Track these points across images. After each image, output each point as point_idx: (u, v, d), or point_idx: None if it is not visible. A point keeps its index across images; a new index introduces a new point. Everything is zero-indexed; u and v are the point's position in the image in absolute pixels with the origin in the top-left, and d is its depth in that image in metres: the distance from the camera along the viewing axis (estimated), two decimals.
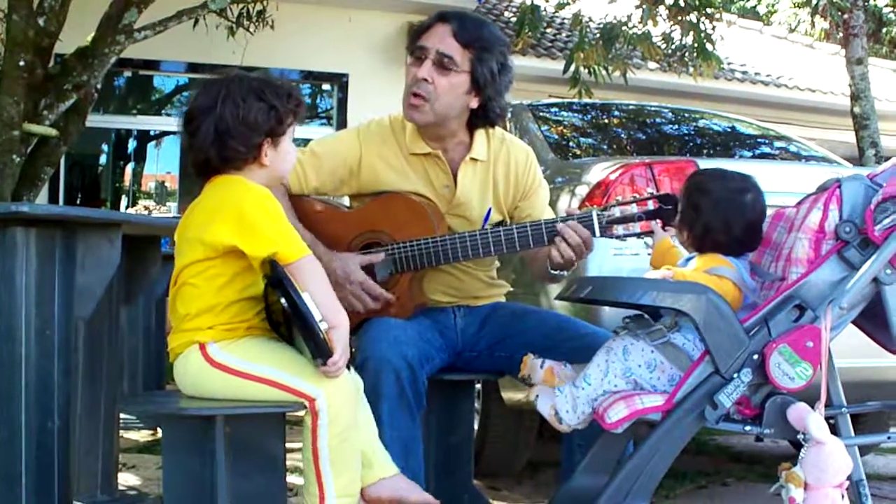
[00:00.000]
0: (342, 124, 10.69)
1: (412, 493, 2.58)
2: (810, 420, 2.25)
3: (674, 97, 10.81)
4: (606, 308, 3.37)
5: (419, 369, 2.79)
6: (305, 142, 3.17)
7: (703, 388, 2.34)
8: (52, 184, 9.64)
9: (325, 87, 11.64)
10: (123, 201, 13.02)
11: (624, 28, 8.51)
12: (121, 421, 3.84)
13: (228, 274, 2.39)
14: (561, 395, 2.53)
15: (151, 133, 12.57)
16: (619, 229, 2.84)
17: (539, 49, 11.83)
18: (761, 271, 2.59)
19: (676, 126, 5.54)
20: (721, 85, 12.52)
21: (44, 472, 2.72)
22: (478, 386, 4.13)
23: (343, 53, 10.87)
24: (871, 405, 2.81)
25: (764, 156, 5.17)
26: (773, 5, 20.99)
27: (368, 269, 2.98)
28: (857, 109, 10.44)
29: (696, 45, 8.47)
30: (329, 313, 2.31)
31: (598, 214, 2.83)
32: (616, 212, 2.83)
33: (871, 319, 2.50)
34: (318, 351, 2.30)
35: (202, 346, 2.40)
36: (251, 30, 8.87)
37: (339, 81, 11.18)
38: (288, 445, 2.52)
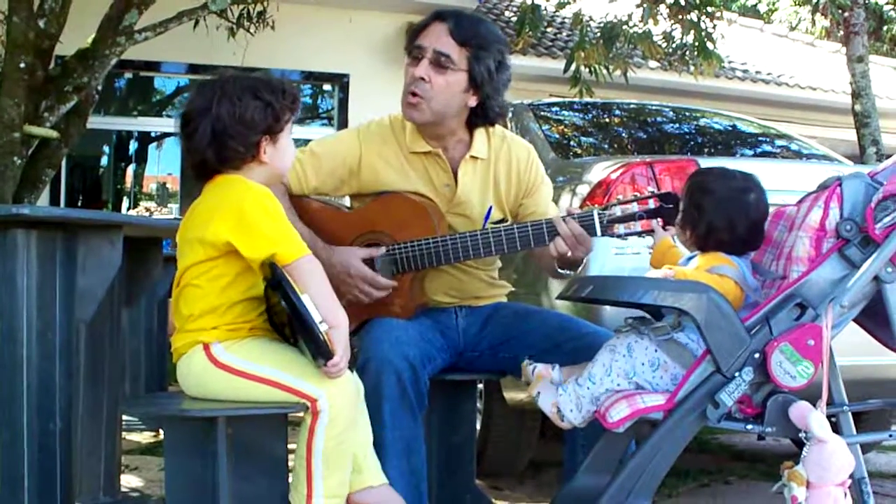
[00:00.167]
0: (343, 125, 10.69)
1: None
2: (812, 418, 2.25)
3: (675, 96, 10.81)
4: (608, 307, 3.37)
5: (421, 369, 2.79)
6: (306, 142, 3.17)
7: (705, 387, 2.34)
8: (54, 186, 9.65)
9: (326, 87, 11.65)
10: (125, 203, 13.03)
11: (624, 27, 8.50)
12: (123, 423, 3.83)
13: (231, 274, 2.40)
14: (565, 394, 2.54)
15: (152, 134, 12.58)
16: (621, 228, 2.83)
17: (540, 48, 11.83)
18: (763, 270, 2.59)
19: (677, 125, 5.54)
20: (722, 83, 12.51)
21: (46, 474, 2.73)
22: (480, 386, 4.13)
23: (344, 54, 10.87)
24: (872, 403, 2.81)
25: (765, 154, 5.17)
26: (773, 3, 20.98)
27: (370, 268, 2.99)
28: (857, 107, 10.43)
29: (696, 43, 8.46)
30: (329, 314, 2.31)
31: (598, 213, 2.83)
32: (617, 211, 2.83)
33: (872, 317, 2.50)
34: (319, 352, 2.30)
35: (206, 347, 2.40)
36: (252, 31, 8.87)
37: (340, 82, 11.18)
38: (290, 446, 2.52)
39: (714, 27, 8.58)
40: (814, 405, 2.29)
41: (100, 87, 6.93)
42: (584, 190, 3.79)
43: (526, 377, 2.71)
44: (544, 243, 2.86)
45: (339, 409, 2.37)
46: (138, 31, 6.58)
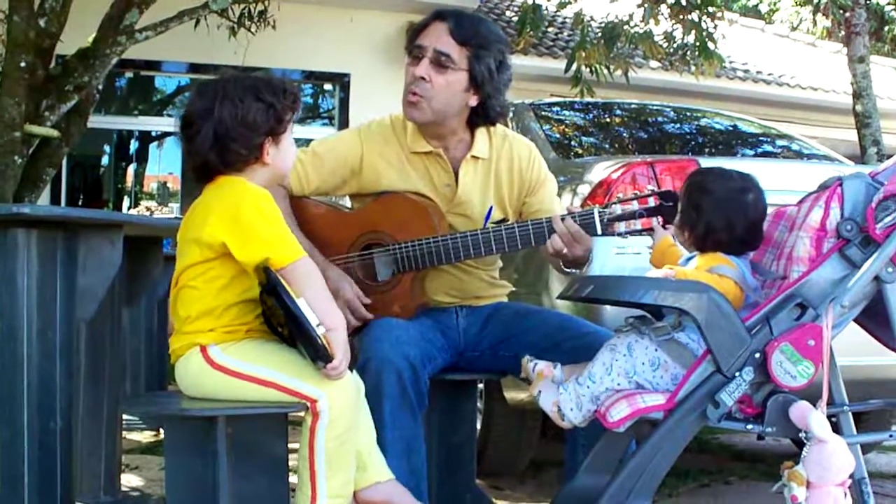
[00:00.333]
0: (344, 124, 10.69)
1: (405, 499, 2.57)
2: (812, 418, 2.25)
3: (675, 96, 10.81)
4: (608, 307, 3.36)
5: (421, 369, 2.79)
6: (307, 142, 3.17)
7: (705, 386, 2.34)
8: (54, 185, 9.66)
9: (327, 87, 11.66)
10: (125, 202, 13.04)
11: (625, 27, 8.51)
12: (123, 422, 3.84)
13: (227, 276, 2.38)
14: (566, 393, 2.54)
15: (153, 134, 12.59)
16: (621, 227, 2.83)
17: (541, 48, 11.84)
18: (763, 270, 2.59)
19: (678, 125, 5.53)
20: (723, 84, 12.52)
21: (46, 473, 2.72)
22: (480, 385, 4.13)
23: (345, 53, 10.88)
24: (873, 403, 2.81)
25: (766, 154, 5.17)
26: (774, 4, 20.97)
27: (370, 268, 2.99)
28: (858, 108, 10.43)
29: (697, 43, 8.47)
30: (326, 316, 2.30)
31: (599, 212, 2.83)
32: (617, 209, 2.83)
33: (872, 317, 2.50)
34: (318, 355, 2.29)
35: (203, 349, 2.39)
36: (252, 30, 8.88)
37: (341, 81, 11.19)
38: (290, 446, 2.52)
39: (715, 27, 8.58)
40: (814, 405, 2.29)
41: (100, 87, 6.93)
42: (584, 190, 3.79)
43: (526, 373, 2.71)
44: (544, 242, 2.86)
45: (340, 409, 2.37)
46: (139, 31, 6.58)
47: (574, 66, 8.39)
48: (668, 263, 2.65)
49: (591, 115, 5.45)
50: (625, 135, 5.22)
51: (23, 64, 5.88)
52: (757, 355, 2.32)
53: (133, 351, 4.68)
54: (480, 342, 3.08)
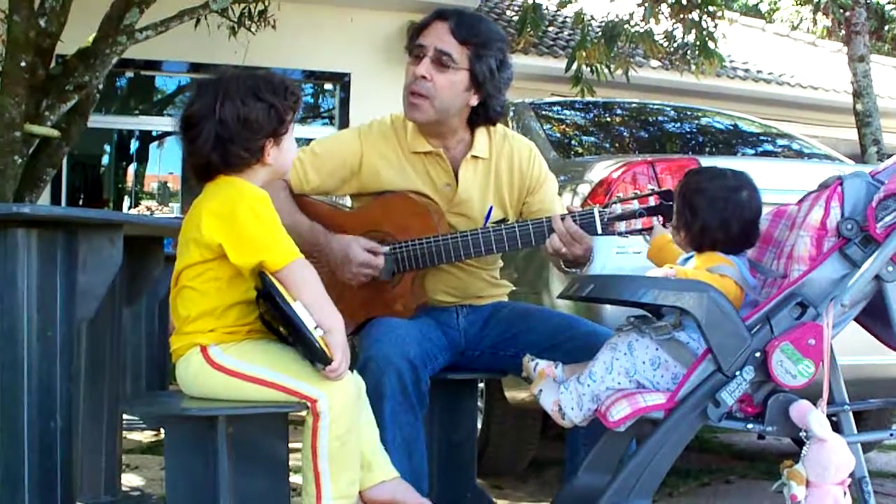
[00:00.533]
0: (344, 124, 10.69)
1: (410, 496, 2.56)
2: (812, 417, 2.25)
3: (676, 95, 10.81)
4: (609, 307, 3.36)
5: (422, 369, 2.79)
6: (307, 141, 3.17)
7: (706, 385, 2.34)
8: (55, 185, 9.66)
9: (327, 86, 11.66)
10: (126, 202, 13.04)
11: (626, 26, 8.51)
12: (124, 421, 3.84)
13: (226, 277, 2.37)
14: (566, 392, 2.53)
15: (153, 133, 12.59)
16: (622, 226, 2.83)
17: (541, 47, 11.84)
18: (763, 269, 2.59)
19: (678, 124, 5.53)
20: (723, 83, 12.53)
21: (46, 472, 2.72)
22: (481, 385, 4.13)
23: (345, 53, 10.88)
24: (873, 402, 2.81)
25: (766, 153, 5.17)
26: (775, 3, 20.96)
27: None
28: (859, 107, 10.44)
29: (698, 42, 8.47)
30: (324, 318, 2.30)
31: (599, 212, 2.83)
32: (618, 209, 2.83)
33: (872, 317, 2.50)
34: (316, 358, 2.29)
35: (203, 349, 2.39)
36: (253, 30, 8.88)
37: (341, 81, 11.19)
38: (291, 445, 2.52)
39: (715, 26, 8.58)
40: (814, 404, 2.29)
41: (101, 86, 6.93)
42: (585, 189, 3.79)
43: (527, 372, 2.71)
44: (544, 241, 2.86)
45: (341, 409, 2.36)
46: (139, 30, 6.59)
47: (574, 66, 8.39)
48: (665, 260, 2.65)
49: (591, 115, 5.45)
50: (625, 134, 5.22)
51: (23, 63, 5.88)
52: (757, 354, 2.32)
53: (133, 351, 4.68)
54: (481, 341, 3.08)
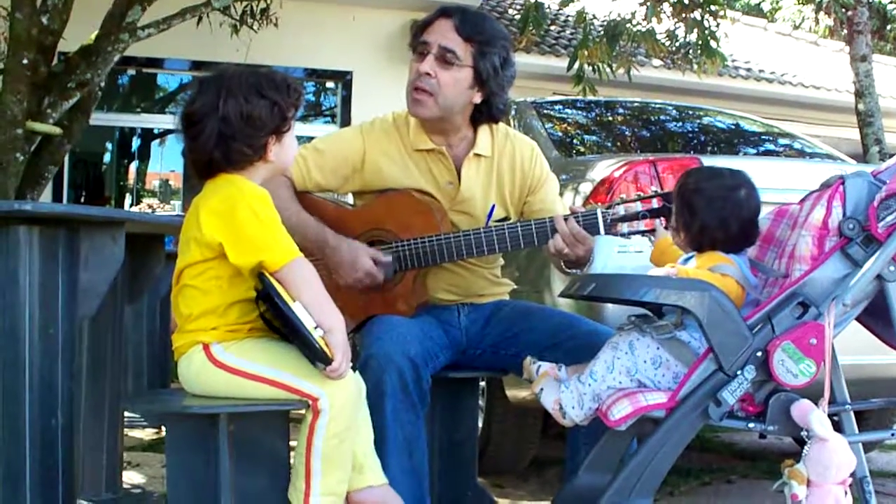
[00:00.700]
0: (346, 122, 10.70)
1: None
2: (813, 417, 2.25)
3: (678, 94, 10.81)
4: (610, 305, 3.37)
5: (423, 367, 2.79)
6: (309, 139, 3.17)
7: (707, 385, 2.34)
8: (56, 182, 9.68)
9: (329, 84, 11.67)
10: (127, 199, 13.05)
11: (628, 25, 8.51)
12: (125, 419, 3.84)
13: (226, 276, 2.37)
14: (567, 391, 2.53)
15: (155, 131, 12.61)
16: (624, 227, 2.84)
17: (543, 46, 11.84)
18: (765, 268, 2.59)
19: (680, 123, 5.53)
20: (725, 82, 12.53)
21: (48, 470, 2.72)
22: (482, 383, 4.13)
23: (347, 51, 10.89)
24: (874, 402, 2.81)
25: (768, 153, 5.17)
26: (777, 2, 20.97)
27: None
28: (861, 106, 10.43)
29: (700, 42, 8.47)
30: (324, 318, 2.29)
31: (602, 212, 2.83)
32: (621, 210, 2.83)
33: (874, 316, 2.50)
34: (317, 357, 2.29)
35: (205, 347, 2.39)
36: (255, 27, 8.88)
37: (343, 79, 11.20)
38: (291, 443, 2.52)
39: (717, 26, 8.59)
40: (816, 404, 2.29)
41: (103, 84, 6.91)
42: (586, 188, 3.79)
43: (529, 374, 2.71)
44: (547, 241, 2.87)
45: (340, 408, 2.36)
46: (141, 28, 6.58)
47: (576, 65, 8.39)
48: (668, 262, 2.64)
49: (593, 114, 5.45)
50: (627, 133, 5.22)
51: (25, 61, 5.87)
52: (759, 354, 2.32)
53: (135, 348, 4.68)
54: (482, 340, 3.08)
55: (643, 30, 8.51)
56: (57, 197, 10.00)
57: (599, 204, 2.92)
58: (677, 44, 8.96)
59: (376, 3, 10.73)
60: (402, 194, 3.02)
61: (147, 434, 5.33)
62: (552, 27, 12.69)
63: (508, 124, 3.43)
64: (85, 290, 2.82)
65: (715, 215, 2.52)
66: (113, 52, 6.46)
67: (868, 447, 4.69)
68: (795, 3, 19.14)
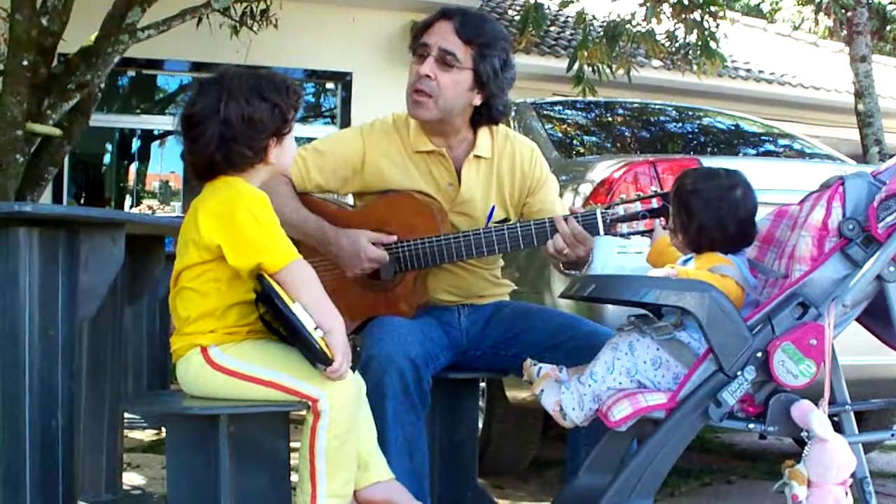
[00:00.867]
0: (346, 123, 10.70)
1: (405, 499, 2.56)
2: (813, 417, 2.25)
3: (677, 95, 10.81)
4: (610, 306, 3.37)
5: (423, 368, 2.79)
6: (309, 140, 3.17)
7: (707, 385, 2.34)
8: (56, 183, 9.67)
9: (329, 85, 11.67)
10: (127, 201, 13.05)
11: (628, 26, 8.52)
12: (125, 420, 3.84)
13: (225, 278, 2.37)
14: (567, 392, 2.54)
15: (155, 132, 12.61)
16: (624, 227, 2.84)
17: (543, 47, 11.84)
18: (764, 269, 2.59)
19: (680, 124, 5.53)
20: (725, 83, 12.53)
21: (48, 471, 2.73)
22: (482, 384, 4.13)
23: (347, 52, 10.89)
24: (874, 402, 2.81)
25: (768, 153, 5.17)
26: (776, 3, 20.97)
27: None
28: (860, 107, 10.44)
29: (699, 42, 8.48)
30: (324, 319, 2.29)
31: (602, 213, 2.83)
32: (620, 210, 2.83)
33: (874, 317, 2.50)
34: (317, 359, 2.29)
35: (204, 350, 2.38)
36: (255, 29, 8.88)
37: (343, 80, 11.20)
38: (291, 444, 2.52)
39: (717, 26, 8.59)
40: (816, 404, 2.29)
41: (102, 85, 6.92)
42: (586, 189, 3.79)
43: (529, 376, 2.71)
44: (546, 242, 2.86)
45: (341, 409, 2.36)
46: (141, 29, 6.58)
47: (576, 65, 8.39)
48: (665, 264, 2.64)
49: (592, 115, 5.45)
50: (627, 134, 5.22)
51: (25, 62, 5.88)
52: (759, 354, 2.32)
53: (135, 349, 4.68)
54: (482, 341, 3.08)
55: (643, 30, 8.51)
56: (57, 198, 10.00)
57: (599, 204, 2.91)
58: (677, 44, 8.96)
59: (376, 4, 10.74)
60: (402, 195, 3.02)
61: (147, 435, 5.33)
62: (552, 28, 12.69)
63: (508, 125, 3.43)
64: (85, 291, 2.82)
65: (712, 216, 2.52)
66: (113, 54, 6.46)
67: (868, 448, 4.69)
68: (795, 4, 19.16)
